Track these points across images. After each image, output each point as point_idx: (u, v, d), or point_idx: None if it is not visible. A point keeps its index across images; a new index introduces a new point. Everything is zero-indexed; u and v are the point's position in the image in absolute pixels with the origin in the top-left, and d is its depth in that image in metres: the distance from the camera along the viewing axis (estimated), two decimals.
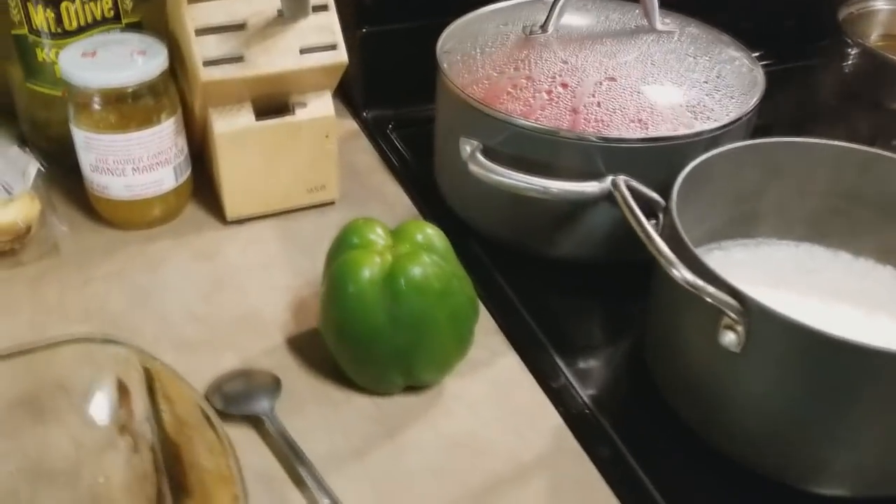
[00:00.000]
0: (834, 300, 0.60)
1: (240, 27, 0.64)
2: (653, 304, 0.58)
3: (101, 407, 0.52)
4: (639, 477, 0.54)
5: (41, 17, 0.67)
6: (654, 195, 0.57)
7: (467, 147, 0.65)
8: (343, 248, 0.56)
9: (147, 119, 0.66)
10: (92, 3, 0.68)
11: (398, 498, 0.52)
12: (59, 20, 0.67)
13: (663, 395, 0.57)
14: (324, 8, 0.66)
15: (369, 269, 0.54)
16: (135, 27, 0.70)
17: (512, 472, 0.53)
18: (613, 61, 0.67)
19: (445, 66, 0.69)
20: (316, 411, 0.57)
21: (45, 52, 0.69)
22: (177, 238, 0.71)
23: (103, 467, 0.51)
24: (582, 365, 0.62)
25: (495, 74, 0.67)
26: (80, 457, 0.52)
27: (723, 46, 0.72)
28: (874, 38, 1.00)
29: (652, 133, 0.62)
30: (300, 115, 0.69)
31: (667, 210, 0.55)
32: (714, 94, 0.66)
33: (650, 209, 0.58)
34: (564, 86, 0.65)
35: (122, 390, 0.51)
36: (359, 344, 0.55)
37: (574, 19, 0.73)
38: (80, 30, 0.68)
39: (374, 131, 0.86)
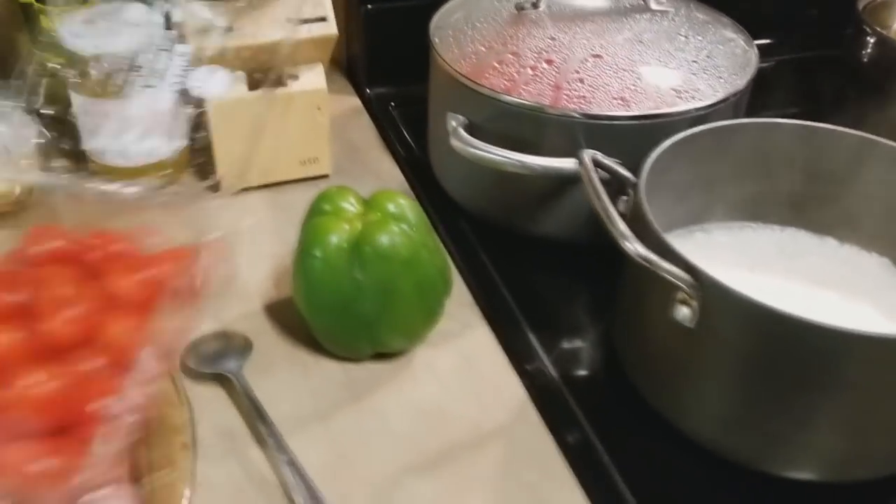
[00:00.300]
0: (814, 285, 0.60)
1: None
2: (619, 281, 0.58)
3: None
4: (597, 451, 0.54)
5: None
6: (625, 172, 0.57)
7: (453, 122, 0.66)
8: (314, 214, 0.57)
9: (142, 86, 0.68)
10: None
11: (354, 458, 0.53)
12: None
13: (629, 375, 0.57)
14: None
15: (337, 235, 0.55)
16: None
17: (469, 440, 0.54)
18: (602, 39, 0.67)
19: (437, 41, 0.70)
20: (285, 374, 0.58)
21: (50, 21, 0.71)
22: (170, 206, 0.72)
23: None
24: (554, 342, 0.62)
25: (483, 50, 0.68)
26: None
27: (719, 28, 0.71)
28: (895, 27, 0.98)
29: (634, 111, 0.62)
30: (292, 87, 0.70)
31: (636, 187, 0.55)
32: (702, 74, 0.65)
33: (622, 186, 0.58)
34: (549, 62, 0.65)
35: None
36: (325, 309, 0.56)
37: None
38: None
39: (375, 108, 0.87)
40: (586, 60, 0.65)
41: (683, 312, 0.48)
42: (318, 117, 0.72)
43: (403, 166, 0.79)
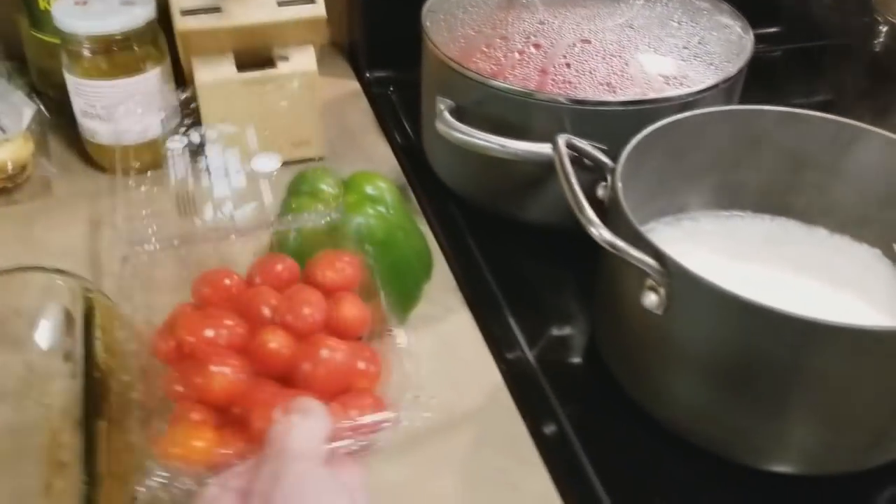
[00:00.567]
0: (798, 274, 0.59)
1: None
2: (598, 268, 0.57)
3: (51, 335, 0.55)
4: (569, 438, 0.54)
5: None
6: (604, 157, 0.57)
7: (441, 105, 0.65)
8: (291, 195, 0.57)
9: (134, 67, 0.69)
10: None
11: None
12: None
13: (605, 361, 0.57)
14: None
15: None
16: None
17: (441, 422, 0.54)
18: (592, 24, 0.66)
19: (428, 24, 0.69)
20: None
21: (47, 1, 0.72)
22: (162, 185, 0.73)
23: (47, 390, 0.53)
24: (536, 329, 0.61)
25: (472, 34, 0.67)
26: (30, 380, 0.54)
27: (715, 14, 0.70)
28: None
29: (619, 97, 0.61)
30: (282, 68, 0.70)
31: (613, 173, 0.54)
32: (692, 61, 0.64)
33: (602, 172, 0.57)
34: (537, 46, 0.65)
35: (69, 320, 0.54)
36: None
37: None
38: None
39: (374, 92, 0.87)
40: (574, 45, 0.64)
41: (652, 299, 0.48)
42: (310, 99, 0.72)
43: (397, 150, 0.79)
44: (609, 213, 0.53)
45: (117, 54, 0.68)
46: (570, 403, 0.56)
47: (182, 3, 0.64)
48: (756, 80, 0.68)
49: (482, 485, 0.51)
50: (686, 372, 0.50)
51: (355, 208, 0.55)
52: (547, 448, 0.53)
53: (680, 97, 0.61)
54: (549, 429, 0.54)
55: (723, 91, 0.64)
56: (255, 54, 0.70)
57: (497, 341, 0.60)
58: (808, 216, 0.63)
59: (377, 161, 0.77)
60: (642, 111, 0.61)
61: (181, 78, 0.73)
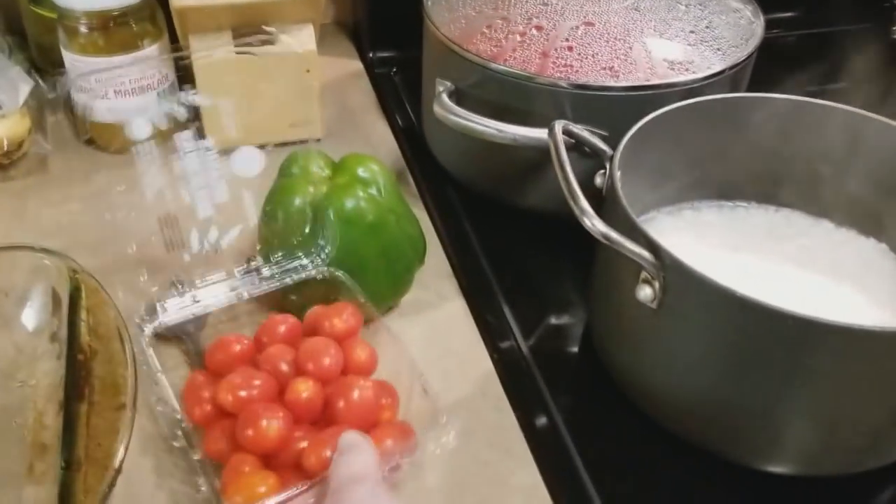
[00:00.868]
0: (802, 268, 0.57)
1: None
2: (594, 259, 0.56)
3: (38, 315, 0.54)
4: (559, 432, 0.53)
5: None
6: (602, 145, 0.55)
7: (439, 87, 0.64)
8: (281, 176, 0.56)
9: (130, 44, 0.68)
10: None
11: None
12: None
13: (598, 353, 0.56)
14: None
15: (300, 197, 0.54)
16: None
17: (428, 412, 0.53)
18: (596, 6, 0.65)
19: (429, 3, 0.68)
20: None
21: None
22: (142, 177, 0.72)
23: (34, 371, 0.53)
24: (530, 319, 0.60)
25: (473, 14, 0.66)
26: (18, 361, 0.54)
27: None
28: None
29: (622, 82, 0.60)
30: (280, 47, 0.69)
31: (611, 161, 0.53)
32: (699, 46, 0.63)
33: (601, 160, 0.56)
34: (539, 28, 0.63)
35: (56, 300, 0.53)
36: None
37: None
38: None
39: (377, 73, 0.85)
40: (577, 28, 0.63)
41: (646, 292, 0.47)
42: (308, 79, 0.70)
43: (397, 132, 0.78)
44: (606, 202, 0.51)
45: (114, 31, 0.67)
46: (562, 396, 0.55)
47: None
48: (768, 66, 0.66)
49: (468, 478, 0.50)
50: (679, 368, 0.49)
51: (345, 190, 0.54)
52: (537, 441, 0.52)
53: (685, 83, 0.60)
54: (540, 421, 0.53)
55: (730, 77, 0.62)
56: (253, 32, 0.68)
57: (490, 330, 0.59)
58: (814, 208, 0.61)
59: (376, 143, 0.76)
60: (645, 97, 0.59)
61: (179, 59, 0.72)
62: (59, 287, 0.53)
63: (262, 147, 0.57)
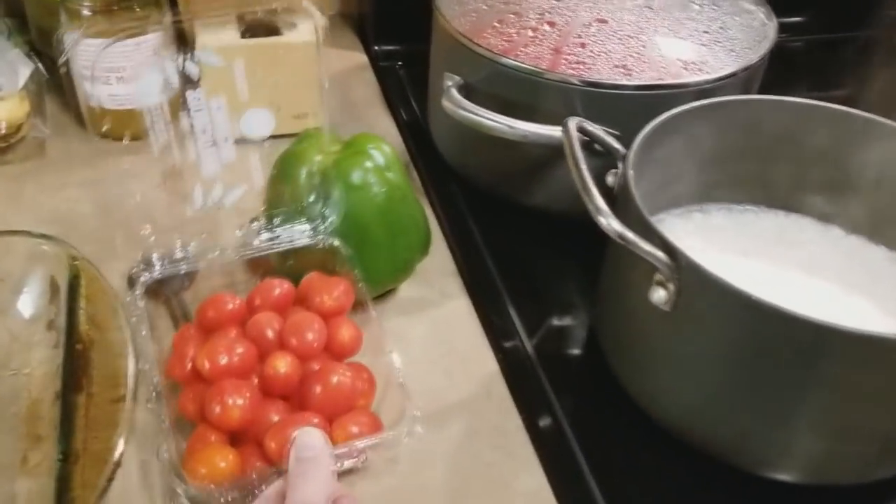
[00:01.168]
0: (809, 275, 0.56)
1: None
2: (604, 259, 0.55)
3: (35, 302, 0.53)
4: (564, 434, 0.52)
5: None
6: (615, 143, 0.54)
7: (448, 82, 0.63)
8: (294, 144, 0.57)
9: (134, 28, 0.66)
10: None
11: None
12: None
13: (605, 355, 0.55)
14: None
15: (309, 164, 0.54)
16: None
17: (431, 412, 0.52)
18: (609, 3, 0.64)
19: None
20: None
21: None
22: (151, 160, 0.71)
23: (29, 360, 0.52)
24: (535, 319, 0.59)
25: (485, 8, 0.65)
26: (12, 348, 0.53)
27: None
28: None
29: (635, 80, 0.59)
30: (287, 36, 0.68)
31: (625, 160, 0.52)
32: (713, 46, 0.62)
33: (613, 159, 0.55)
34: (551, 24, 0.62)
35: (54, 287, 0.52)
36: None
37: None
38: None
39: (381, 66, 0.84)
40: (590, 25, 0.62)
41: (660, 294, 0.46)
42: (313, 70, 0.69)
43: (402, 127, 0.77)
44: (618, 202, 0.51)
45: (118, 14, 0.66)
46: (567, 397, 0.54)
47: None
48: (775, 70, 0.66)
49: (472, 479, 0.49)
50: (690, 372, 0.48)
51: (354, 162, 0.54)
52: (542, 443, 0.51)
53: (698, 84, 0.59)
54: (545, 423, 0.52)
55: (742, 79, 0.61)
56: (259, 20, 0.67)
57: (494, 329, 0.58)
58: (823, 214, 0.60)
59: (380, 135, 0.75)
60: (658, 96, 0.59)
61: (182, 42, 0.70)
62: (58, 274, 0.52)
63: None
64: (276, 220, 0.55)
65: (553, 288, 0.63)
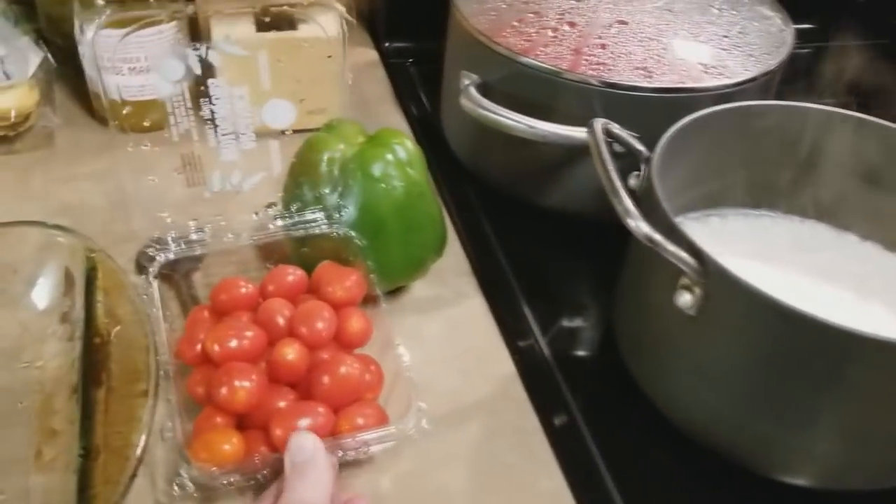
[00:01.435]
0: (826, 282, 0.56)
1: None
2: (624, 261, 0.55)
3: (48, 294, 0.52)
4: (582, 436, 0.52)
5: None
6: (639, 145, 0.54)
7: (465, 80, 0.63)
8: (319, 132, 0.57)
9: (151, 18, 0.65)
10: None
11: None
12: None
13: (624, 360, 0.54)
14: None
15: (330, 152, 0.54)
16: None
17: (448, 413, 0.52)
18: (629, 5, 0.64)
19: None
20: None
21: None
22: (170, 146, 0.70)
23: (42, 353, 0.51)
24: (551, 319, 0.59)
25: (503, 6, 0.64)
26: (24, 340, 0.52)
27: (755, 4, 0.68)
28: None
29: (656, 83, 0.59)
30: (303, 31, 0.67)
31: (649, 162, 0.52)
32: (733, 51, 0.62)
33: (636, 161, 0.55)
34: (572, 24, 0.62)
35: (69, 279, 0.51)
36: None
37: None
38: None
39: (392, 63, 0.84)
40: (611, 26, 0.62)
41: (685, 298, 0.46)
42: (330, 66, 0.68)
43: (414, 124, 0.76)
44: (642, 204, 0.50)
45: (132, 3, 0.65)
46: (584, 398, 0.54)
47: None
48: (784, 77, 0.66)
49: (491, 481, 0.49)
50: (712, 376, 0.48)
51: (375, 155, 0.54)
52: (559, 444, 0.51)
53: (719, 88, 0.59)
54: (562, 424, 0.52)
55: (761, 84, 0.61)
56: (274, 14, 0.66)
57: (509, 329, 0.58)
58: (839, 220, 0.60)
59: None
60: (678, 100, 0.58)
61: (197, 34, 0.70)
62: (73, 266, 0.51)
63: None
64: (293, 207, 0.55)
65: (568, 288, 0.63)
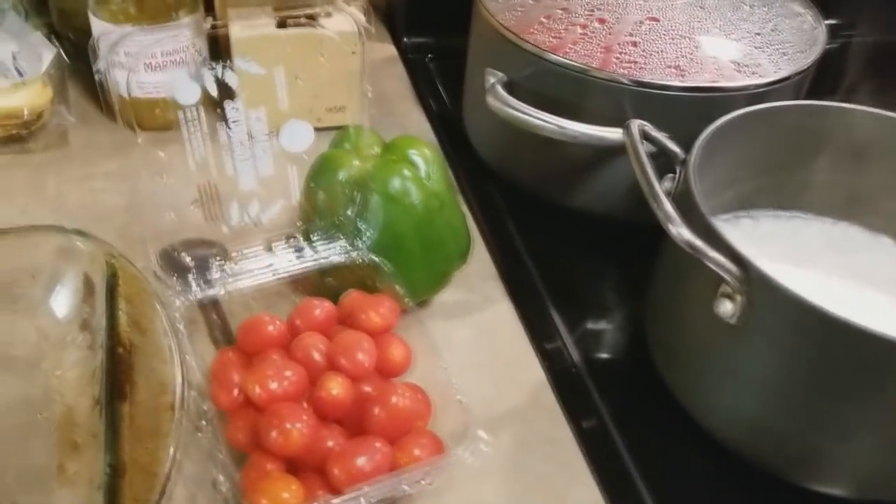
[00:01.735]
0: (860, 285, 0.55)
1: None
2: (657, 265, 0.54)
3: (67, 300, 0.51)
4: (615, 446, 0.50)
5: None
6: (675, 147, 0.52)
7: (491, 78, 0.61)
8: (332, 147, 0.55)
9: (164, 14, 0.64)
10: None
11: None
12: None
13: (657, 366, 0.53)
14: None
15: (345, 171, 0.52)
16: None
17: (481, 421, 0.50)
18: (659, 2, 0.62)
19: None
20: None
21: None
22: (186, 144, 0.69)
23: (61, 361, 0.49)
24: (579, 324, 0.58)
25: (531, 2, 0.63)
26: (42, 348, 0.50)
27: (786, 0, 0.66)
28: None
29: (688, 82, 0.57)
30: (324, 27, 0.65)
31: (685, 164, 0.50)
32: (765, 49, 0.60)
33: (671, 163, 0.53)
34: (601, 21, 0.60)
35: (88, 286, 0.50)
36: None
37: None
38: None
39: (411, 59, 0.82)
40: (642, 23, 0.60)
41: (726, 307, 0.44)
42: (350, 62, 0.67)
43: (434, 121, 0.75)
44: (678, 208, 0.49)
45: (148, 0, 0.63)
46: (616, 408, 0.52)
47: None
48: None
49: (525, 491, 0.47)
50: (754, 386, 0.46)
51: (392, 169, 0.52)
52: (592, 454, 0.50)
53: (753, 87, 0.57)
54: (594, 433, 0.51)
55: (794, 83, 0.60)
56: (295, 10, 0.65)
57: (539, 336, 0.56)
58: (872, 222, 0.59)
59: (413, 132, 0.73)
60: (711, 99, 0.57)
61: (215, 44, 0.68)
62: (93, 272, 0.50)
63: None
64: (314, 237, 0.53)
65: (594, 290, 0.62)
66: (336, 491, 0.42)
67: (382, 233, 0.52)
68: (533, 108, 0.57)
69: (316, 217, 0.53)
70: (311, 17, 0.66)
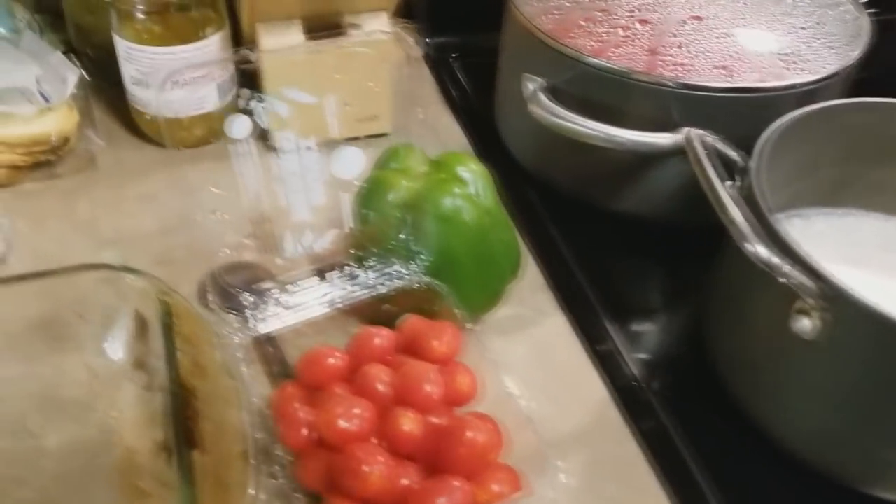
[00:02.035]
0: None
1: None
2: (718, 274, 0.52)
3: (118, 338, 0.50)
4: (683, 460, 0.49)
5: None
6: (735, 154, 0.51)
7: (530, 85, 0.60)
8: (378, 168, 0.53)
9: (192, 32, 0.62)
10: None
11: None
12: None
13: (720, 376, 0.52)
14: None
15: (395, 192, 0.51)
16: None
17: (549, 443, 0.49)
18: None
19: None
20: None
21: None
22: (218, 161, 0.67)
23: (116, 401, 0.48)
24: (634, 333, 0.57)
25: (568, 5, 0.61)
26: (94, 388, 0.49)
27: None
28: None
29: (738, 82, 0.56)
30: (353, 37, 0.64)
31: (746, 172, 0.49)
32: (812, 44, 0.59)
33: (728, 169, 0.52)
34: (643, 22, 0.59)
35: (141, 323, 0.49)
36: None
37: None
38: None
39: (435, 59, 0.80)
40: (685, 22, 0.59)
41: (804, 324, 0.43)
42: (381, 71, 0.65)
43: (465, 124, 0.73)
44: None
45: (173, 17, 0.61)
46: (681, 419, 0.51)
47: None
48: None
49: None
50: (830, 400, 0.46)
51: (443, 188, 0.51)
52: (666, 475, 0.49)
53: (803, 85, 0.56)
54: (664, 449, 0.50)
55: (843, 78, 0.58)
56: (323, 20, 0.63)
57: (595, 348, 0.55)
58: None
59: (445, 136, 0.72)
60: (760, 99, 0.56)
61: (241, 42, 0.66)
62: (145, 309, 0.49)
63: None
64: (367, 262, 0.52)
65: (645, 296, 0.61)
66: None
67: (437, 254, 0.51)
68: (578, 116, 0.56)
69: (368, 242, 0.51)
70: (339, 26, 0.64)
